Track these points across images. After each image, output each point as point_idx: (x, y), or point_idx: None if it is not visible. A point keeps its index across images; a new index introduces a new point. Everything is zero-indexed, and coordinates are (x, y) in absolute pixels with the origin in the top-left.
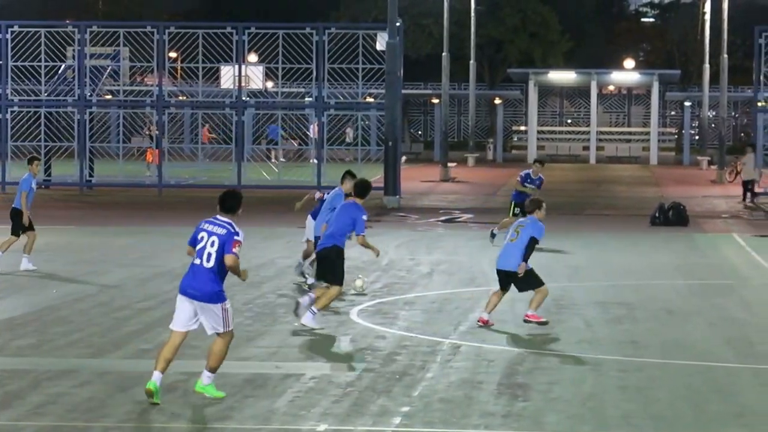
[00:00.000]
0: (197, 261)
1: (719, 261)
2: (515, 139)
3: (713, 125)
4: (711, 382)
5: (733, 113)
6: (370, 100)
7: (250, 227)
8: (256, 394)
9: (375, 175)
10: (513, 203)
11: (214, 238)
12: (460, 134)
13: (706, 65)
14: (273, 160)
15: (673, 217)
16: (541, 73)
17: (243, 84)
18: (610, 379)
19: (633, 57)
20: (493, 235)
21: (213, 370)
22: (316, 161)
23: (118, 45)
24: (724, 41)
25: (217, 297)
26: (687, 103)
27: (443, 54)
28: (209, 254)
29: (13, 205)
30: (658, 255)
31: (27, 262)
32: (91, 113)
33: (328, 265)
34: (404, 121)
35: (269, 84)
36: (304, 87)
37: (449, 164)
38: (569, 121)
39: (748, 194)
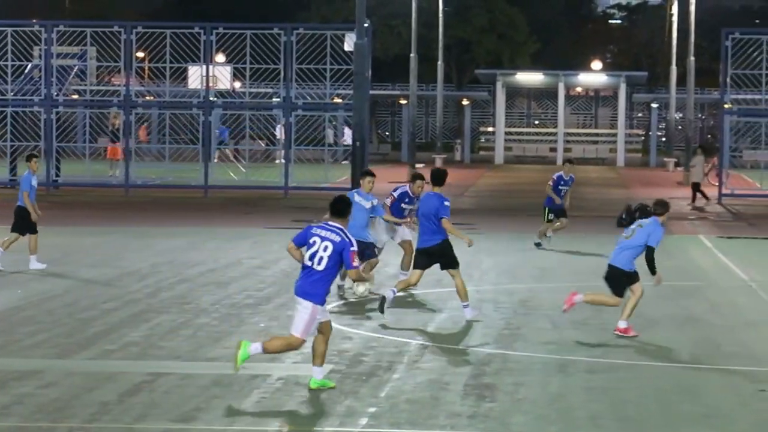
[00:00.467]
0: (309, 263)
1: (686, 263)
2: (483, 140)
3: (680, 127)
4: (678, 383)
5: (699, 115)
6: (338, 100)
7: (217, 227)
8: (223, 395)
9: (342, 176)
10: (547, 209)
11: (328, 243)
12: (427, 135)
13: (673, 67)
14: (216, 161)
15: (640, 218)
16: (509, 74)
17: (210, 84)
18: (577, 380)
19: (600, 59)
20: (538, 245)
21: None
22: (283, 161)
23: (85, 44)
24: (691, 43)
25: (313, 296)
26: (654, 105)
27: (411, 55)
28: (321, 258)
29: (18, 204)
30: None
31: (35, 261)
32: (57, 113)
33: (447, 256)
34: (372, 121)
35: (237, 84)
36: (271, 87)
37: (417, 165)
38: (537, 122)
39: (698, 195)
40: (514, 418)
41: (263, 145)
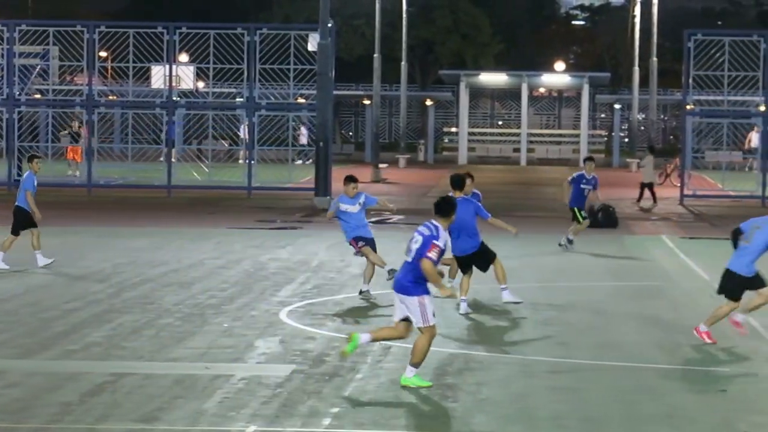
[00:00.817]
0: (406, 258)
1: (649, 263)
2: (446, 140)
3: (643, 128)
4: (641, 384)
5: (662, 116)
6: (301, 100)
7: (180, 228)
8: (186, 395)
9: (306, 176)
10: (576, 209)
11: (419, 237)
12: (391, 135)
13: (636, 68)
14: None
15: (602, 218)
16: (473, 74)
17: (174, 84)
18: (539, 380)
19: (564, 59)
20: (570, 241)
21: (416, 365)
22: (246, 161)
23: (48, 44)
24: (653, 44)
25: (413, 289)
26: (617, 106)
27: (374, 55)
28: (409, 249)
29: (16, 203)
30: (588, 257)
31: (42, 257)
32: (19, 112)
33: (484, 257)
34: (335, 122)
35: (200, 84)
36: (235, 87)
37: (380, 165)
38: (500, 122)
39: (647, 195)
40: (476, 418)
41: (226, 145)
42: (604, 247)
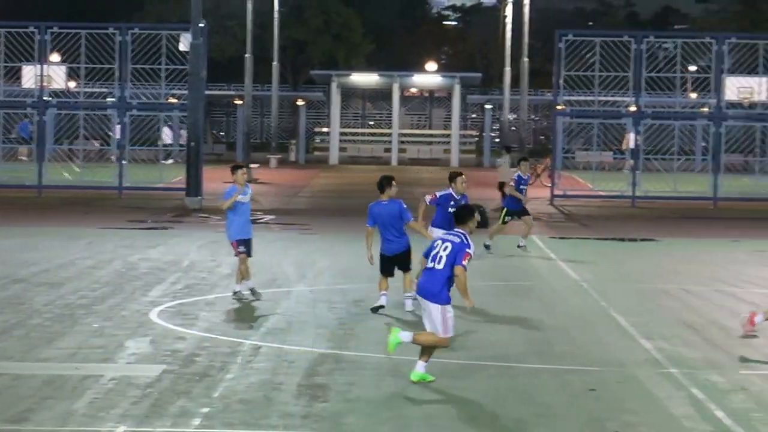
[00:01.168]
0: (430, 265)
1: (519, 262)
2: (317, 140)
3: (514, 128)
4: (511, 383)
5: (533, 116)
6: (173, 100)
7: (51, 228)
8: (55, 395)
9: (177, 176)
10: (505, 210)
11: (448, 244)
12: (263, 135)
13: (507, 68)
14: (22, 158)
15: (478, 218)
16: (344, 75)
17: (45, 84)
18: (409, 380)
19: (436, 60)
20: (487, 247)
21: (425, 360)
22: (117, 161)
23: None
24: (524, 45)
25: (439, 297)
26: (488, 106)
27: (246, 56)
28: (440, 257)
29: None
30: None
31: None
32: None
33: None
34: (207, 122)
35: (72, 84)
36: (107, 87)
37: (252, 165)
38: (372, 123)
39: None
40: (347, 418)
41: (97, 145)
42: (476, 248)
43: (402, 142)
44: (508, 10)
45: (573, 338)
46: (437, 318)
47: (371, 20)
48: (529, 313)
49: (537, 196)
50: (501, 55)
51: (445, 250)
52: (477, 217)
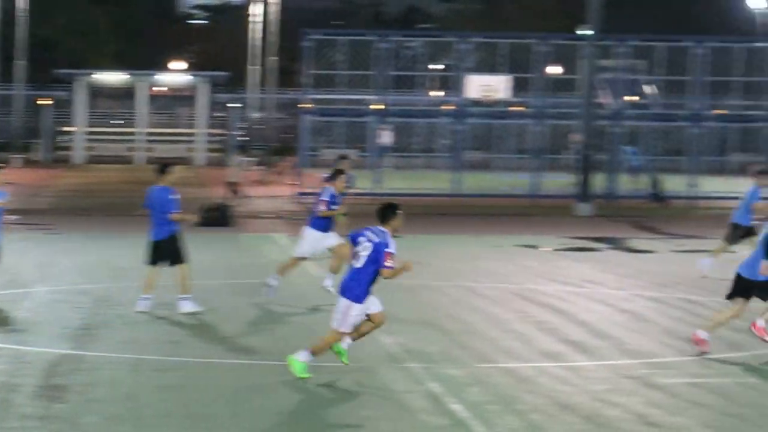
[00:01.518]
0: (353, 262)
1: (262, 260)
2: (62, 140)
3: (260, 126)
4: (249, 380)
5: (280, 115)
6: None
7: None
8: None
9: None
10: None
11: (369, 244)
12: (5, 135)
13: (253, 67)
14: None
15: (217, 217)
16: (89, 74)
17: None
18: (148, 379)
19: (184, 59)
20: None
21: (313, 353)
22: None
23: None
24: (271, 44)
25: (349, 291)
26: (233, 105)
27: None
28: (360, 256)
29: None
30: (203, 255)
31: None
32: None
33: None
34: None
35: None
36: None
37: None
38: (119, 122)
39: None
40: (85, 418)
41: None
42: (219, 246)
43: (149, 141)
44: (258, 9)
45: (315, 330)
46: (340, 309)
47: (119, 19)
48: (270, 309)
49: (279, 194)
50: (248, 54)
51: (365, 250)
52: (401, 214)
